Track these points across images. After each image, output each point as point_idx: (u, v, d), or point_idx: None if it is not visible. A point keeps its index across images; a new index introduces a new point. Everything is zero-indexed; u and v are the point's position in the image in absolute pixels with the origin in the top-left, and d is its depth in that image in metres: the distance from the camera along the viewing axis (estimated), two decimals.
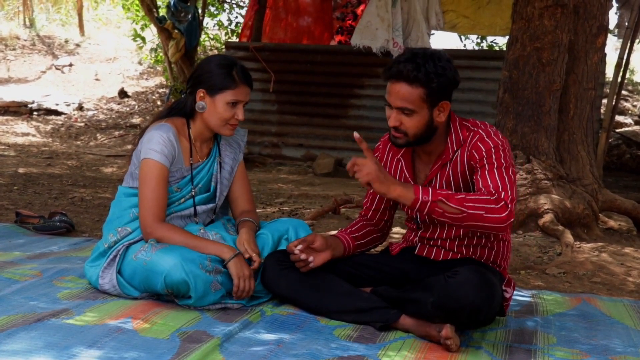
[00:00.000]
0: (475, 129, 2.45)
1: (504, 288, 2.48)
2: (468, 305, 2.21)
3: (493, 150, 2.37)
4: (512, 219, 2.32)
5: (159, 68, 12.74)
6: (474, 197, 2.28)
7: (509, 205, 2.28)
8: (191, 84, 2.71)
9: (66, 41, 13.81)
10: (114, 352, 2.05)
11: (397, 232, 4.20)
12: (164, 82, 12.28)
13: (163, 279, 2.42)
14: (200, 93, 2.67)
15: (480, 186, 2.35)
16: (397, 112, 2.37)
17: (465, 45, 12.60)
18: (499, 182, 2.33)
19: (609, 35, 6.43)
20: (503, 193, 2.30)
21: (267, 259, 2.65)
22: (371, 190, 2.72)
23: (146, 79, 12.83)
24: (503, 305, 2.49)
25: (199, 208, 2.77)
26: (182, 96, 2.78)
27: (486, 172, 2.36)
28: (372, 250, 2.82)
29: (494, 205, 2.26)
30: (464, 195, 2.28)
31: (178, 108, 2.76)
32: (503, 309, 2.52)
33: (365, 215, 2.75)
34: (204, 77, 2.67)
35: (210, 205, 2.81)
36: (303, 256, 2.50)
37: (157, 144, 2.61)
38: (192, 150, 2.74)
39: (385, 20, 7.71)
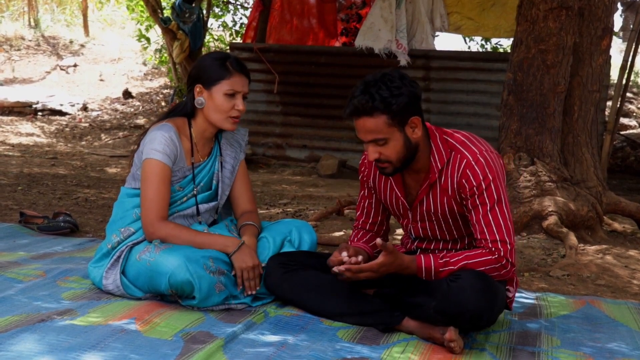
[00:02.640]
0: (459, 146, 2.40)
1: (506, 287, 2.47)
2: (469, 310, 2.21)
3: (484, 186, 2.34)
4: (515, 267, 2.40)
5: (164, 69, 12.75)
6: (474, 260, 2.33)
7: (510, 259, 2.35)
8: (189, 83, 2.73)
9: (71, 42, 13.83)
10: (118, 352, 2.06)
11: (400, 233, 4.20)
12: (168, 83, 12.28)
13: (167, 279, 2.43)
14: (197, 88, 2.68)
15: (478, 236, 2.37)
16: (371, 145, 2.35)
17: (469, 47, 12.58)
18: (495, 230, 2.33)
19: (614, 38, 6.41)
20: (502, 250, 2.33)
21: (270, 261, 2.65)
22: (365, 203, 2.70)
23: (150, 79, 12.84)
24: (507, 302, 2.49)
25: (202, 207, 2.77)
26: (184, 99, 2.79)
27: (481, 216, 2.35)
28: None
29: (494, 265, 2.33)
30: (465, 262, 2.32)
31: (178, 109, 2.78)
32: (508, 305, 2.51)
33: (363, 227, 2.73)
34: (200, 73, 2.69)
35: (212, 204, 2.81)
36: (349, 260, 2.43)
37: (159, 144, 2.61)
38: (193, 149, 2.74)
39: (388, 22, 7.70)
